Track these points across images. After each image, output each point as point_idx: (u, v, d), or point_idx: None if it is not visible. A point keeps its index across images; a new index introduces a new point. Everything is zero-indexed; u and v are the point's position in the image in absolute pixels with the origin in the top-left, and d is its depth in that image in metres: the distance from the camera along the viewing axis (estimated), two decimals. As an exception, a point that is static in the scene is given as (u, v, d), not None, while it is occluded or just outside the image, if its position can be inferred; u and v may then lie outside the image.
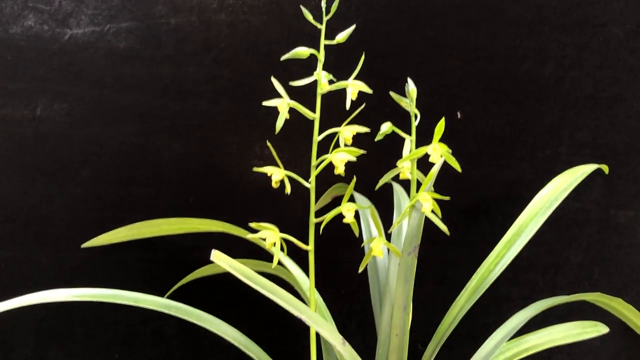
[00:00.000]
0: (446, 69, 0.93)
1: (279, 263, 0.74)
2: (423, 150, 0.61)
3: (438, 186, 0.63)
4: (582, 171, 0.75)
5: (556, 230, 0.91)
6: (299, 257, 0.73)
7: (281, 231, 0.63)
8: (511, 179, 0.94)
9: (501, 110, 0.94)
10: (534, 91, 0.94)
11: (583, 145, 0.93)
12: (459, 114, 0.90)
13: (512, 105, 0.94)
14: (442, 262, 0.90)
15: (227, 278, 0.76)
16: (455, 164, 0.62)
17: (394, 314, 0.61)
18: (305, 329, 0.65)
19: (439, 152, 0.60)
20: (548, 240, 0.90)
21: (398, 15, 0.93)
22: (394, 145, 0.70)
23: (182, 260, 0.90)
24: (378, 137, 0.63)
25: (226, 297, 0.91)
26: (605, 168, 0.81)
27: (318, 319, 0.55)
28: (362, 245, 0.68)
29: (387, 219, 0.79)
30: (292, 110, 0.64)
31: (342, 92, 0.65)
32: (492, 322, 0.72)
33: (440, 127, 0.60)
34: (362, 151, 0.61)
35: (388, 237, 0.72)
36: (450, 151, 0.61)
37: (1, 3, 0.90)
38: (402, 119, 0.67)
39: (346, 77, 0.65)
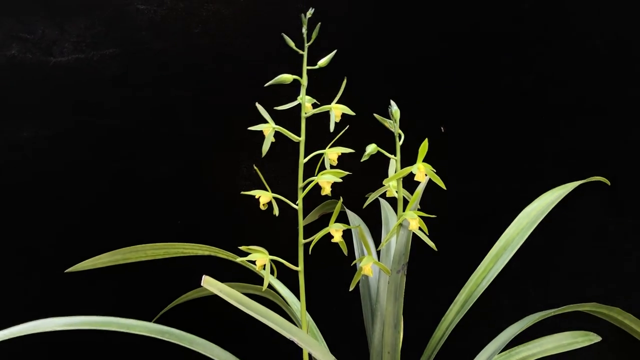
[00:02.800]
0: (429, 87, 0.95)
1: (269, 286, 0.74)
2: (408, 170, 0.62)
3: (426, 201, 0.64)
4: (568, 188, 0.77)
5: (546, 240, 0.92)
6: (289, 276, 0.74)
7: (270, 253, 0.64)
8: (499, 193, 0.95)
9: (485, 126, 0.96)
10: (518, 104, 0.95)
11: (568, 156, 0.95)
12: (442, 128, 0.92)
13: (496, 120, 0.96)
14: (431, 277, 0.91)
15: (216, 300, 0.76)
16: (440, 182, 0.63)
17: (385, 331, 0.62)
18: (298, 349, 0.66)
19: (423, 172, 0.61)
20: (539, 250, 0.91)
21: (380, 34, 0.95)
22: (382, 162, 0.71)
23: (171, 283, 0.90)
24: (364, 158, 0.64)
25: (216, 318, 0.91)
26: (604, 180, 0.82)
27: (310, 340, 0.56)
28: (352, 263, 0.69)
29: (375, 233, 0.80)
30: (278, 132, 0.65)
31: (328, 115, 0.66)
32: (484, 335, 0.72)
33: (424, 148, 0.61)
34: (346, 173, 0.62)
35: (378, 254, 0.73)
36: (434, 170, 0.62)
37: (-15, 33, 0.91)
38: (389, 138, 0.68)
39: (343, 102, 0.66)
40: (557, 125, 0.95)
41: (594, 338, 0.77)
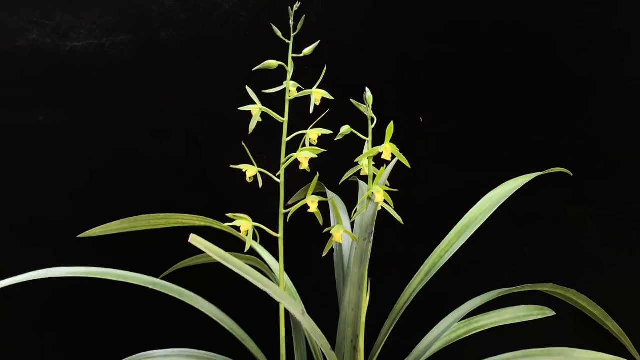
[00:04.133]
0: (411, 78, 1.03)
1: (253, 251, 0.82)
2: (376, 150, 0.70)
3: (401, 184, 0.71)
4: (529, 177, 0.82)
5: (511, 224, 1.00)
6: (274, 246, 0.82)
7: (256, 222, 0.72)
8: (468, 177, 1.03)
9: (461, 116, 1.04)
10: (492, 99, 1.03)
11: (536, 147, 1.02)
12: (421, 118, 0.99)
13: (471, 111, 1.03)
14: (401, 250, 0.99)
15: (213, 268, 0.84)
16: (405, 161, 0.70)
17: (350, 291, 0.69)
18: (277, 309, 0.74)
19: (389, 151, 0.69)
20: (503, 233, 0.99)
21: (366, 29, 1.03)
22: (361, 148, 0.79)
23: (170, 251, 0.98)
24: (338, 137, 0.72)
25: (210, 284, 0.99)
26: (566, 170, 0.88)
27: (281, 292, 0.64)
28: (325, 231, 0.76)
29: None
30: (265, 115, 0.73)
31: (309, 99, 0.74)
32: (446, 305, 0.80)
33: (390, 129, 0.69)
34: (322, 150, 0.70)
35: (352, 226, 0.81)
36: (398, 149, 0.69)
37: (8, 18, 0.99)
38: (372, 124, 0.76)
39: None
40: (528, 119, 1.03)
41: (548, 312, 0.84)
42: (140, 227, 0.84)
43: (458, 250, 0.78)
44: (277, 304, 0.75)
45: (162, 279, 0.95)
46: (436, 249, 0.80)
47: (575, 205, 1.03)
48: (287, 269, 0.82)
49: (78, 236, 0.83)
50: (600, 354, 0.69)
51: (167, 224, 0.85)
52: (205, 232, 0.86)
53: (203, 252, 0.86)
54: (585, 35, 1.02)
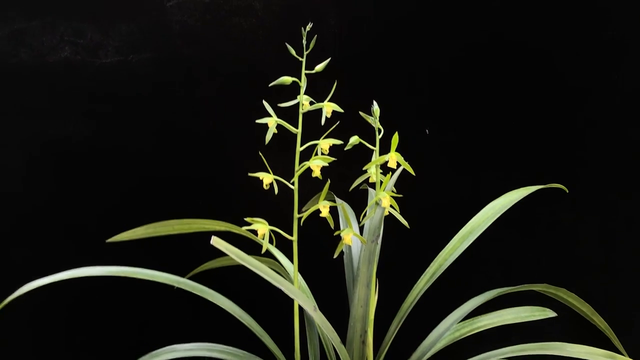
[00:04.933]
0: (416, 92, 1.09)
1: (270, 254, 0.88)
2: (383, 158, 0.76)
3: (410, 191, 0.77)
4: (530, 189, 0.87)
5: (511, 230, 1.05)
6: (289, 250, 0.87)
7: (271, 226, 0.77)
8: (472, 186, 1.09)
9: (465, 129, 1.09)
10: (492, 113, 1.09)
11: (534, 158, 1.08)
12: (427, 130, 1.05)
13: (474, 123, 1.09)
14: (408, 253, 1.04)
15: (234, 270, 0.90)
16: (409, 169, 0.76)
17: (359, 289, 0.75)
18: (292, 306, 0.80)
19: (394, 160, 0.74)
20: (503, 237, 1.04)
21: (376, 47, 1.09)
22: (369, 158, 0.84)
23: (194, 254, 1.04)
24: (347, 147, 0.77)
25: (231, 284, 1.05)
26: (565, 189, 0.93)
27: (294, 289, 0.69)
28: (335, 234, 0.81)
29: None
30: (280, 127, 0.79)
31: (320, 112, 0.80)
32: (450, 304, 0.85)
33: (395, 140, 0.74)
34: (333, 158, 0.76)
35: (361, 231, 0.86)
36: (403, 158, 0.75)
37: (42, 37, 1.07)
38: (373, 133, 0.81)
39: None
40: (526, 132, 1.09)
41: (549, 313, 0.89)
42: (164, 232, 0.88)
43: (461, 253, 0.83)
44: (291, 303, 0.81)
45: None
46: (441, 252, 0.85)
47: (570, 212, 1.09)
48: (301, 269, 0.87)
49: (107, 241, 0.88)
50: (593, 348, 0.73)
51: (190, 229, 0.90)
52: (226, 236, 0.93)
53: (224, 255, 0.93)
54: (584, 48, 1.07)
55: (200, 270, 0.98)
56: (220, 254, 0.89)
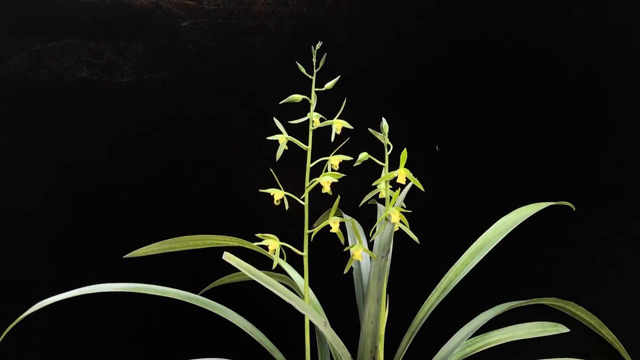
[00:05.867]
0: (426, 109, 1.10)
1: (281, 269, 0.89)
2: (392, 174, 0.76)
3: (420, 207, 0.77)
4: (540, 206, 0.88)
5: (520, 245, 1.05)
6: (299, 265, 0.88)
7: (282, 241, 0.78)
8: (481, 202, 1.09)
9: (472, 146, 1.10)
10: (500, 128, 1.10)
11: (543, 175, 1.09)
12: (437, 147, 1.06)
13: (481, 140, 1.10)
14: (419, 269, 1.05)
15: (245, 285, 0.91)
16: (419, 184, 0.76)
17: (369, 305, 0.75)
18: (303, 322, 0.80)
19: (403, 176, 0.75)
20: (514, 252, 1.05)
21: (384, 64, 1.11)
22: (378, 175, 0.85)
23: (206, 269, 1.05)
24: (356, 163, 0.78)
25: (242, 300, 1.06)
26: (572, 206, 0.94)
27: (305, 305, 0.70)
28: (345, 249, 0.82)
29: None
30: (291, 144, 0.80)
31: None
32: (461, 319, 0.85)
33: (404, 156, 0.75)
34: (342, 175, 0.76)
35: (370, 246, 0.87)
36: (412, 174, 0.75)
37: (60, 58, 1.10)
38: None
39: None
40: (535, 148, 1.10)
41: (561, 329, 0.88)
42: (179, 247, 0.90)
43: (472, 268, 0.83)
44: (302, 318, 0.81)
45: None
46: (452, 267, 0.85)
47: (580, 228, 1.10)
48: (312, 285, 0.88)
49: (124, 256, 0.89)
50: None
51: (203, 244, 0.91)
52: (238, 252, 0.94)
53: (236, 271, 0.93)
54: (594, 58, 1.08)
55: (214, 286, 0.99)
56: (233, 269, 0.90)
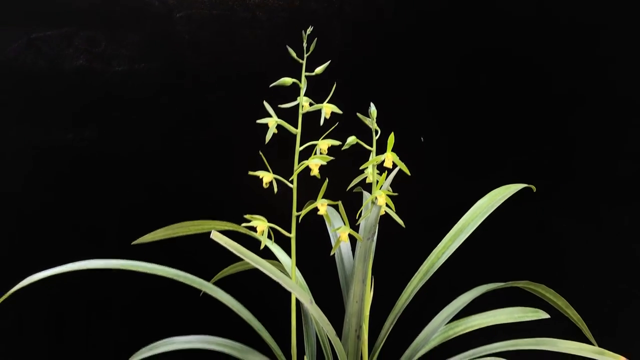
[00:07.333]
0: (413, 98, 1.14)
1: (269, 251, 0.91)
2: (379, 158, 0.79)
3: (405, 194, 0.80)
4: (514, 188, 0.90)
5: (498, 230, 1.08)
6: (288, 247, 0.90)
7: (270, 223, 0.80)
8: (461, 189, 1.12)
9: (459, 132, 1.14)
10: (483, 121, 1.14)
11: (522, 165, 1.15)
12: (422, 138, 1.08)
13: (468, 128, 1.14)
14: (402, 252, 1.07)
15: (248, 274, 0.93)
16: (405, 168, 0.78)
17: (355, 285, 0.77)
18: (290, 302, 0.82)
19: (390, 160, 0.77)
20: (492, 237, 1.07)
21: (376, 53, 1.13)
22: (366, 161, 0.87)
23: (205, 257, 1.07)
24: (345, 147, 0.80)
25: (231, 279, 1.08)
26: (534, 187, 0.96)
27: (291, 283, 0.72)
28: (333, 230, 0.83)
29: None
30: (281, 127, 0.82)
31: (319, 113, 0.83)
32: (443, 301, 0.87)
33: (391, 140, 0.77)
34: (331, 157, 0.78)
35: (357, 229, 0.89)
36: (398, 158, 0.77)
37: (61, 46, 1.12)
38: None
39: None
40: (516, 139, 1.14)
41: (542, 315, 0.90)
42: (181, 232, 0.89)
43: (454, 251, 0.85)
44: (289, 300, 0.83)
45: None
46: (433, 250, 0.87)
47: (555, 214, 1.16)
48: (299, 267, 0.90)
49: (133, 243, 0.88)
50: (584, 344, 0.75)
51: (202, 229, 0.91)
52: (231, 236, 0.95)
53: (240, 260, 0.94)
54: (572, 57, 1.11)
55: (219, 278, 1.00)
56: (236, 259, 0.91)
